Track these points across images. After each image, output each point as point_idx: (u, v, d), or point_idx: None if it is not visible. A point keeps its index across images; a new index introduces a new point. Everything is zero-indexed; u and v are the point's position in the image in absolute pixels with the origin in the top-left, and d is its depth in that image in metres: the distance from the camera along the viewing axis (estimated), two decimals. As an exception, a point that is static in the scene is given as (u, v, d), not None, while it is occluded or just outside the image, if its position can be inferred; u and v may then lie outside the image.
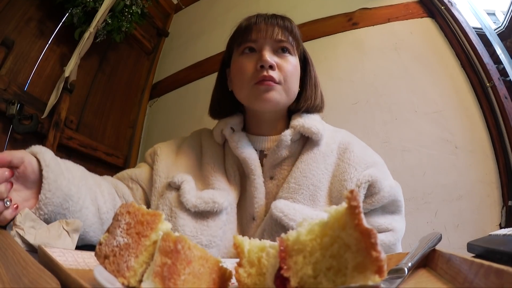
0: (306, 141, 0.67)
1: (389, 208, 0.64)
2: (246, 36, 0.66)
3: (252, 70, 0.63)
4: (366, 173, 0.61)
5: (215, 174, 0.65)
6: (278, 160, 0.65)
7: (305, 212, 0.57)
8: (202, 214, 0.59)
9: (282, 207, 0.57)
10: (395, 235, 0.61)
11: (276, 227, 0.55)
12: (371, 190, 0.61)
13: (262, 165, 0.65)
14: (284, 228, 0.54)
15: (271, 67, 0.62)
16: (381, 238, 0.59)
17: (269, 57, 0.63)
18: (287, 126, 0.67)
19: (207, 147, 0.70)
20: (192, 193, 0.60)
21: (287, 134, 0.64)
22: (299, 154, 0.66)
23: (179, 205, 0.60)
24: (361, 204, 0.23)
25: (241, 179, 0.66)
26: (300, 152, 0.66)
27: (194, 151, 0.70)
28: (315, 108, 0.70)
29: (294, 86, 0.66)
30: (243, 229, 0.62)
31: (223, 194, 0.61)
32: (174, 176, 0.63)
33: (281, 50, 0.65)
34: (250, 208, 0.62)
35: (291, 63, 0.65)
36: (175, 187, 0.62)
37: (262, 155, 0.67)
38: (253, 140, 0.68)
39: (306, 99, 0.69)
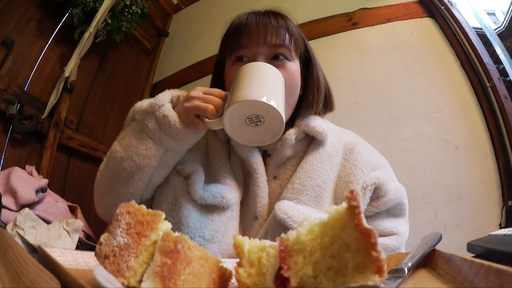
0: (311, 141, 0.66)
1: (394, 211, 0.63)
2: (236, 42, 0.61)
3: None
4: (372, 176, 0.61)
5: (221, 169, 0.63)
6: (282, 160, 0.64)
7: (309, 214, 0.56)
8: (208, 208, 0.58)
9: (286, 209, 0.56)
10: (400, 239, 0.60)
11: (280, 229, 0.54)
12: (377, 193, 0.60)
13: (266, 164, 0.64)
14: (288, 230, 0.53)
15: None
16: (385, 242, 0.59)
17: None
18: (291, 125, 0.66)
19: (212, 142, 0.68)
20: (201, 185, 0.59)
21: (292, 133, 0.63)
22: (304, 154, 0.64)
23: (186, 195, 0.58)
24: (361, 204, 0.23)
25: (244, 177, 0.65)
26: (305, 152, 0.65)
27: (200, 145, 0.68)
28: (318, 113, 0.67)
29: (292, 99, 0.62)
30: (245, 228, 0.62)
31: (231, 190, 0.60)
32: (184, 162, 0.62)
33: (276, 57, 0.61)
34: (253, 207, 0.61)
35: (289, 71, 0.60)
36: (184, 175, 0.61)
37: (266, 155, 0.66)
38: None
39: (308, 106, 0.65)
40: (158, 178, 0.60)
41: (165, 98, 0.56)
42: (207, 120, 0.51)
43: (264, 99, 0.46)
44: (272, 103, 0.47)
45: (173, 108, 0.56)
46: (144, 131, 0.55)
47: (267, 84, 0.50)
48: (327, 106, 0.69)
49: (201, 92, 0.53)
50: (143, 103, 0.58)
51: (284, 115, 0.48)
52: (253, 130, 0.51)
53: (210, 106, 0.50)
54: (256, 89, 0.48)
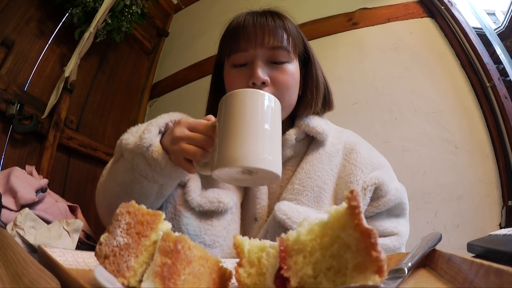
0: (311, 141, 0.66)
1: (395, 211, 0.63)
2: (234, 44, 0.60)
3: (243, 87, 0.59)
4: (372, 176, 0.61)
5: None
6: (282, 160, 0.64)
7: (309, 215, 0.56)
8: (207, 214, 0.58)
9: (286, 209, 0.56)
10: (400, 239, 0.60)
11: (279, 230, 0.54)
12: (378, 193, 0.60)
13: None
14: (287, 231, 0.53)
15: (263, 83, 0.58)
16: (386, 242, 0.59)
17: (261, 71, 0.58)
18: (291, 125, 0.65)
19: None
20: (198, 192, 0.59)
21: (292, 134, 0.63)
22: (304, 154, 0.64)
23: (184, 203, 0.59)
24: (361, 204, 0.23)
25: None
26: (305, 152, 0.65)
27: None
28: (317, 112, 0.67)
29: (292, 98, 0.62)
30: (245, 230, 0.62)
31: (228, 194, 0.60)
32: None
33: (275, 62, 0.60)
34: (253, 209, 0.61)
35: (288, 72, 0.60)
36: (181, 184, 0.61)
37: None
38: None
39: (306, 106, 0.64)
40: (158, 204, 0.60)
41: (152, 134, 0.51)
42: (197, 166, 0.46)
43: (259, 164, 0.39)
44: (268, 165, 0.39)
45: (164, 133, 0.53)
46: (136, 170, 0.52)
47: (262, 134, 0.41)
48: (326, 105, 0.69)
49: (186, 128, 0.47)
50: (129, 141, 0.53)
51: (280, 168, 0.42)
52: (247, 179, 0.44)
53: (199, 151, 0.45)
54: (249, 147, 0.39)
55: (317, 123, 0.64)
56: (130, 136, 0.53)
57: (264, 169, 0.39)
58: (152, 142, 0.50)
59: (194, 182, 0.60)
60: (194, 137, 0.46)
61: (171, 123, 0.54)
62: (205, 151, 0.45)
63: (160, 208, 0.61)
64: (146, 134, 0.51)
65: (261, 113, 0.42)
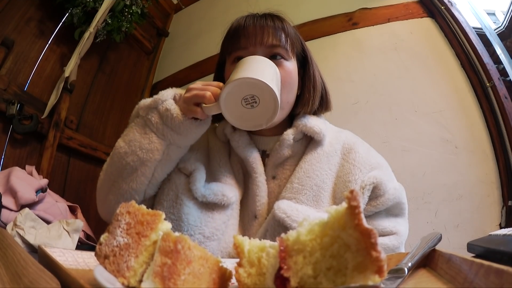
0: (309, 141, 0.66)
1: (393, 211, 0.63)
2: (235, 43, 0.63)
3: None
4: (370, 175, 0.61)
5: (221, 169, 0.64)
6: (281, 160, 0.64)
7: (308, 213, 0.57)
8: (208, 206, 0.59)
9: (285, 208, 0.56)
10: (399, 238, 0.60)
11: (279, 228, 0.55)
12: (376, 192, 0.60)
13: (264, 164, 0.65)
14: (287, 229, 0.53)
15: None
16: (385, 241, 0.59)
17: None
18: (289, 125, 0.66)
19: (213, 143, 0.69)
20: (202, 183, 0.60)
21: (289, 133, 0.64)
22: (303, 154, 0.65)
23: (187, 192, 0.59)
24: (361, 204, 0.23)
25: (244, 177, 0.66)
26: (303, 152, 0.66)
27: (202, 144, 0.69)
28: (315, 112, 0.68)
29: (290, 96, 0.64)
30: (244, 227, 0.62)
31: (231, 189, 0.61)
32: (186, 161, 0.62)
33: (274, 56, 0.62)
34: (252, 206, 0.62)
35: (286, 70, 0.62)
36: (186, 173, 0.61)
37: (264, 155, 0.66)
38: (255, 140, 0.67)
39: (303, 104, 0.66)
40: (162, 174, 0.60)
41: (168, 94, 0.58)
42: (204, 105, 0.53)
43: (258, 77, 0.49)
44: (266, 81, 0.49)
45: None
46: (148, 125, 0.57)
47: (262, 69, 0.53)
48: (324, 105, 0.70)
49: (200, 84, 0.56)
50: (147, 100, 0.60)
51: (278, 96, 0.51)
52: (249, 113, 0.53)
53: (208, 93, 0.53)
54: (251, 71, 0.51)
55: (314, 123, 0.65)
56: (148, 99, 0.60)
57: (266, 83, 0.49)
58: (167, 98, 0.57)
59: (199, 173, 0.61)
60: (206, 87, 0.54)
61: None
62: (214, 98, 0.53)
63: (162, 193, 0.61)
64: (163, 92, 0.59)
65: (263, 63, 0.55)
